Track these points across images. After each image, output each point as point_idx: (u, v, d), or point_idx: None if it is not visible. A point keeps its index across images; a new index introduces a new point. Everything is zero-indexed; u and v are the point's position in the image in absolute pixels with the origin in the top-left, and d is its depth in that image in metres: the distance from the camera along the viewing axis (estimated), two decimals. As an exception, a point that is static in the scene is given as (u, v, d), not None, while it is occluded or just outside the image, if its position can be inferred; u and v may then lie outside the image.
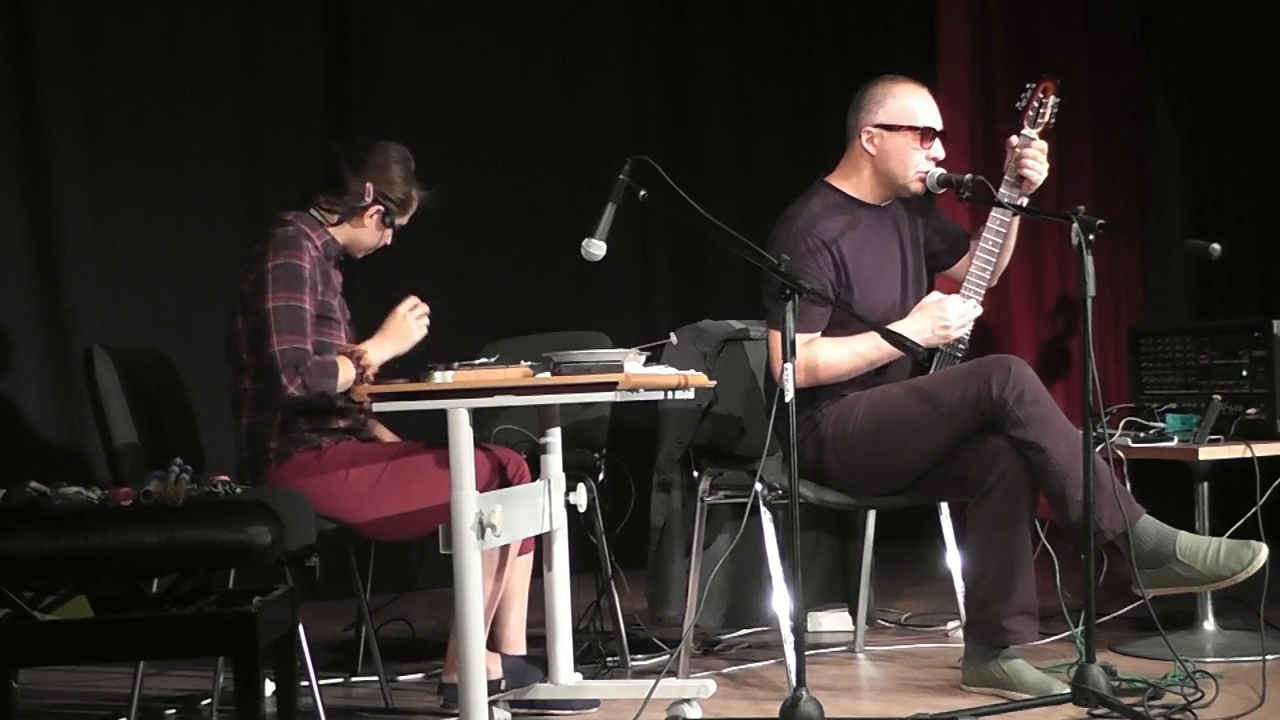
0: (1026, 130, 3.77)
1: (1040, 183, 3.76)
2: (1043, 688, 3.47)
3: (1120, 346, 5.76)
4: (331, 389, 3.46)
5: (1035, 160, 3.73)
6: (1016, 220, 3.81)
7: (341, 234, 3.65)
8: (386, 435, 3.77)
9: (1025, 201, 3.77)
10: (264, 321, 3.43)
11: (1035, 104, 3.79)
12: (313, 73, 5.55)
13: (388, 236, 3.70)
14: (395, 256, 5.46)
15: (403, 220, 3.69)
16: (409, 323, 3.59)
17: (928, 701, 3.53)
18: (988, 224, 3.79)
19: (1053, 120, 3.79)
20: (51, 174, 5.01)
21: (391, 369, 3.57)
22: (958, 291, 3.78)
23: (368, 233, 3.66)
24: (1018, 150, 3.74)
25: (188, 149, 5.28)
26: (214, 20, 5.34)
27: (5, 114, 4.94)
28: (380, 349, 3.57)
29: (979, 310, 3.77)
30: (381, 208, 3.63)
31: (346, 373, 3.47)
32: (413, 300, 3.62)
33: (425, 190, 3.69)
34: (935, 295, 3.77)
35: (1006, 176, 3.76)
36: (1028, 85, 3.81)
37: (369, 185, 3.61)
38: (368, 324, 3.72)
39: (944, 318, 3.71)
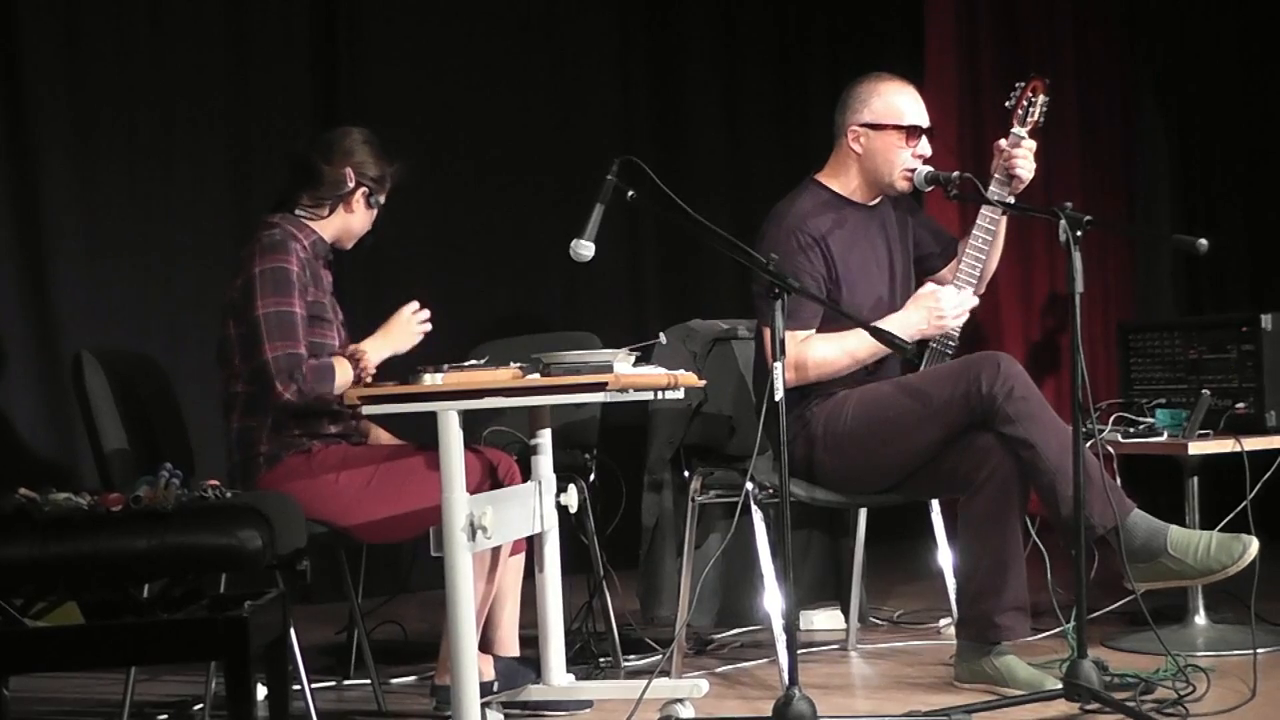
0: (1016, 129, 3.78)
1: (1028, 181, 3.77)
2: (1035, 683, 3.48)
3: (1109, 342, 5.78)
4: (329, 391, 3.46)
5: (1025, 159, 3.75)
6: (1004, 224, 3.83)
7: (331, 227, 3.66)
8: (384, 437, 3.77)
9: (1013, 200, 3.78)
10: (255, 329, 3.43)
11: (1024, 103, 3.80)
12: (300, 76, 5.54)
13: (372, 218, 3.71)
14: (385, 257, 5.49)
15: (383, 197, 3.70)
16: (411, 325, 3.61)
17: (920, 699, 3.53)
18: (977, 222, 3.80)
19: (1042, 119, 3.80)
20: (39, 178, 5.00)
21: (385, 370, 3.57)
22: (946, 290, 3.80)
23: (357, 218, 3.68)
24: (1007, 150, 3.75)
25: (176, 153, 5.28)
26: (201, 24, 5.34)
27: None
28: (379, 349, 3.57)
29: (975, 300, 3.77)
30: (365, 188, 3.66)
31: (344, 374, 3.48)
32: (415, 304, 3.63)
33: (395, 164, 3.71)
34: (929, 286, 3.76)
35: (996, 176, 3.77)
36: (1017, 84, 3.82)
37: (347, 170, 3.63)
38: (360, 325, 3.72)
39: (939, 308, 3.71)
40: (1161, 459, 4.09)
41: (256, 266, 3.47)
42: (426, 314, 3.63)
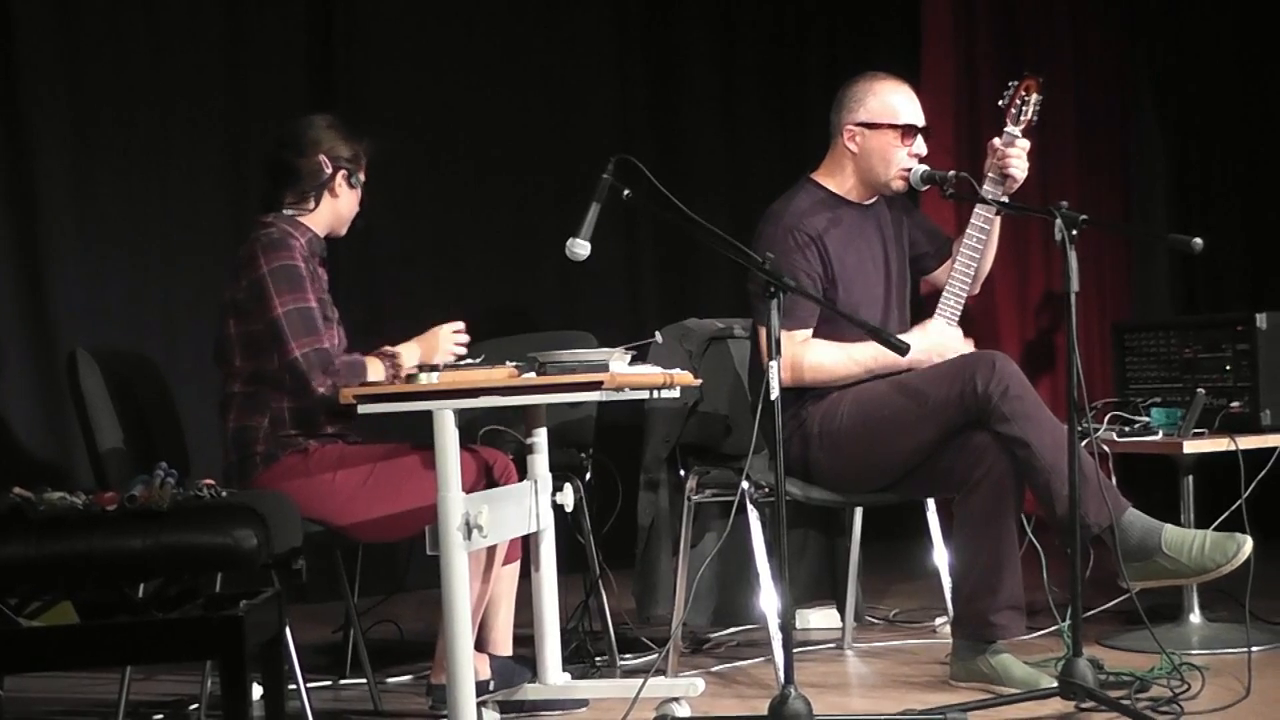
0: (1010, 128, 3.78)
1: (1022, 180, 3.77)
2: (1030, 682, 3.48)
3: (1105, 341, 5.78)
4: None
5: (1018, 158, 3.75)
6: (999, 223, 3.83)
7: (322, 219, 3.65)
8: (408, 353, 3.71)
9: (1007, 199, 3.78)
10: (275, 329, 3.43)
11: (1018, 102, 3.81)
12: (298, 76, 5.54)
13: (358, 199, 3.71)
14: (383, 256, 5.50)
15: (362, 175, 3.70)
16: (447, 342, 3.62)
17: (916, 697, 3.53)
18: (971, 221, 3.80)
19: (1035, 118, 3.81)
20: (36, 177, 4.99)
21: None
22: (942, 290, 3.80)
23: (343, 202, 3.68)
24: (1000, 149, 3.76)
25: (173, 152, 5.28)
26: (199, 24, 5.34)
27: (-11, 117, 4.94)
28: (411, 355, 3.58)
29: (970, 347, 3.77)
30: (343, 170, 3.66)
31: (376, 373, 3.48)
32: (460, 325, 3.65)
33: (365, 140, 3.71)
34: (942, 322, 3.75)
35: (990, 175, 3.78)
36: (1010, 83, 3.82)
37: (320, 157, 3.63)
38: (359, 325, 3.71)
39: (942, 346, 3.70)
40: (1157, 458, 4.09)
41: (264, 266, 3.47)
42: (465, 338, 3.64)
